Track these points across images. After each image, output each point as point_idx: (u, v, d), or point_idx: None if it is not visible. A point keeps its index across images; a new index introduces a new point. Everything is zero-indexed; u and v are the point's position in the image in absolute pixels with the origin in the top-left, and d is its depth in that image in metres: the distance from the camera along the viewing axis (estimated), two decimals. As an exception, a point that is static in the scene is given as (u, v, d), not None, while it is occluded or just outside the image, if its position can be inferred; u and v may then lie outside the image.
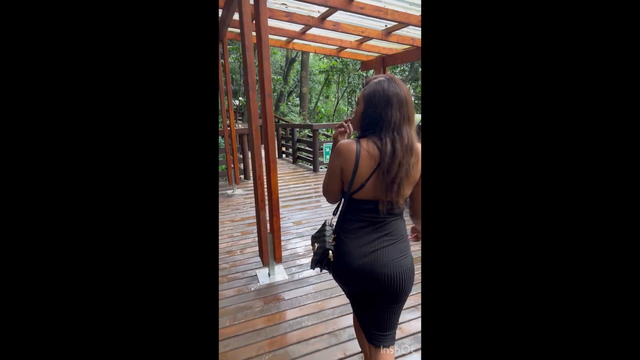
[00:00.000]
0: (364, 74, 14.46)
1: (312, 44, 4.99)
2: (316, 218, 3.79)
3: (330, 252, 1.05)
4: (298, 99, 15.74)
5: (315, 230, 1.14)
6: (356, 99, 1.39)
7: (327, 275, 2.36)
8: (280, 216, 3.43)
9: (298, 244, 3.13)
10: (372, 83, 0.97)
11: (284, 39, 4.86)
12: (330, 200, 1.09)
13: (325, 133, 8.45)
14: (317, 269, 1.16)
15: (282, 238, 3.06)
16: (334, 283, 2.22)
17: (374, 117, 0.95)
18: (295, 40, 4.92)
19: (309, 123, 9.49)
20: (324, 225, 1.11)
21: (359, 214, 1.02)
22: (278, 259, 2.47)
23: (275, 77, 15.40)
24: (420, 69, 13.38)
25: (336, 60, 14.18)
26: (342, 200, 1.06)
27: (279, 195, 4.29)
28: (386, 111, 0.93)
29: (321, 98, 20.93)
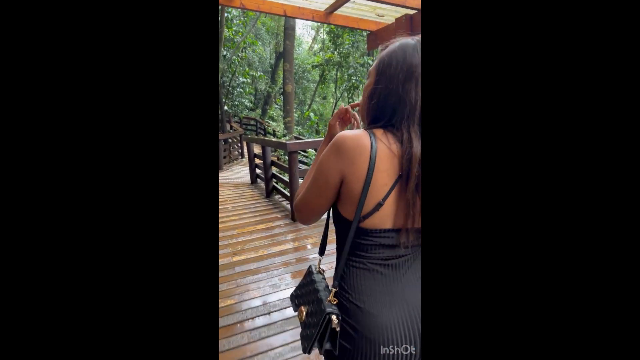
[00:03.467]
0: (370, 61, 11.39)
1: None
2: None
3: (334, 317, 0.63)
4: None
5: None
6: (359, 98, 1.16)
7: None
8: None
9: None
10: (391, 46, 0.65)
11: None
12: (307, 219, 0.71)
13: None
14: (316, 351, 0.71)
15: None
16: None
17: (387, 96, 0.62)
18: (242, -13, 2.52)
19: (282, 140, 5.08)
20: (309, 273, 0.76)
21: (374, 257, 0.64)
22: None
23: (256, 73, 12.42)
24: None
25: (332, 53, 11.66)
26: (330, 228, 0.74)
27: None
28: (407, 88, 0.61)
29: (317, 99, 18.25)
